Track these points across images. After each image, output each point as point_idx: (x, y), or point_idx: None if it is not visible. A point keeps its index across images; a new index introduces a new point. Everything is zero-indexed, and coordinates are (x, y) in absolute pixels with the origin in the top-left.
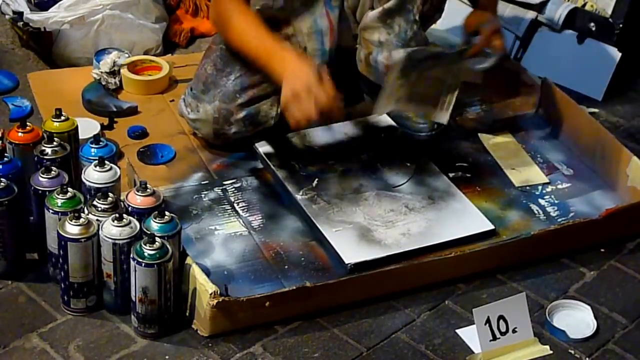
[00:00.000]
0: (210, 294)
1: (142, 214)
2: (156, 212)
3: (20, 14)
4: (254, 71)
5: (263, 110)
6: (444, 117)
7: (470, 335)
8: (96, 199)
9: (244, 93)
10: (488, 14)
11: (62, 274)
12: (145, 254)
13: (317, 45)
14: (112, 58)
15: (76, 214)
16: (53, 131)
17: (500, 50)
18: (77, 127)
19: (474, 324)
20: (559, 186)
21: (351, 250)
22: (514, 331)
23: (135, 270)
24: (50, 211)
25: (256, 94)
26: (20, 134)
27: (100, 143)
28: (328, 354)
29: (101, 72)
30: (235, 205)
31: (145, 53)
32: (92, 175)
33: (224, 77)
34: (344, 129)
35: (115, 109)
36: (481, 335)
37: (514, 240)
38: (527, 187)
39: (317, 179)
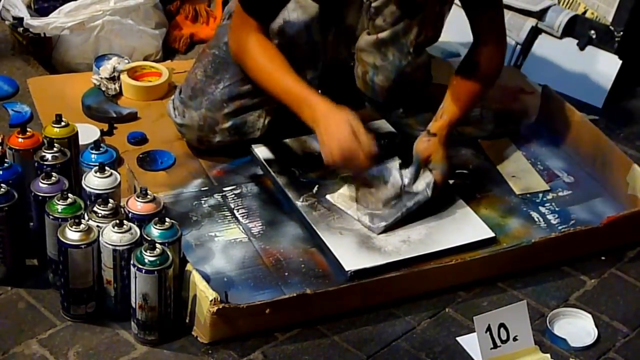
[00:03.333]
0: (211, 301)
1: (142, 220)
2: (157, 218)
3: (20, 19)
4: (243, 81)
5: (250, 121)
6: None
7: (470, 343)
8: (96, 205)
9: (232, 103)
10: (442, 152)
11: (62, 280)
12: (146, 261)
13: (312, 57)
14: (112, 64)
15: (76, 220)
16: (53, 137)
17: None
18: (77, 132)
19: (474, 331)
20: (560, 193)
21: (351, 257)
22: (514, 339)
23: (136, 277)
24: (51, 217)
25: (243, 105)
26: (20, 139)
27: (101, 149)
28: None
29: (101, 78)
30: (235, 211)
31: (145, 59)
32: (93, 181)
33: (213, 84)
34: None
35: (115, 115)
36: (482, 343)
37: (514, 248)
38: (528, 195)
39: (317, 186)
